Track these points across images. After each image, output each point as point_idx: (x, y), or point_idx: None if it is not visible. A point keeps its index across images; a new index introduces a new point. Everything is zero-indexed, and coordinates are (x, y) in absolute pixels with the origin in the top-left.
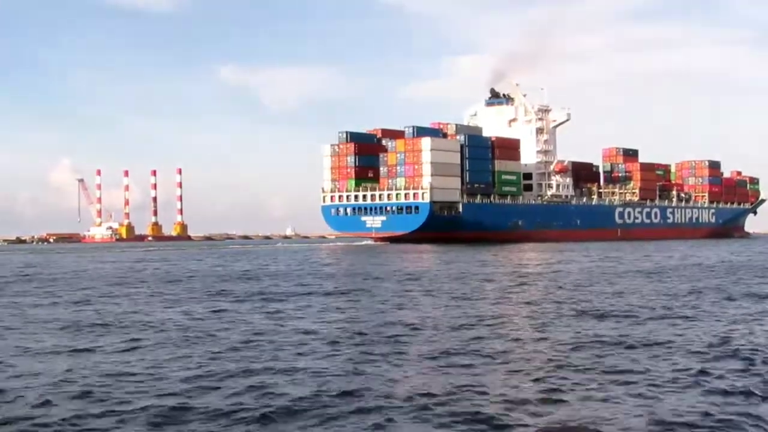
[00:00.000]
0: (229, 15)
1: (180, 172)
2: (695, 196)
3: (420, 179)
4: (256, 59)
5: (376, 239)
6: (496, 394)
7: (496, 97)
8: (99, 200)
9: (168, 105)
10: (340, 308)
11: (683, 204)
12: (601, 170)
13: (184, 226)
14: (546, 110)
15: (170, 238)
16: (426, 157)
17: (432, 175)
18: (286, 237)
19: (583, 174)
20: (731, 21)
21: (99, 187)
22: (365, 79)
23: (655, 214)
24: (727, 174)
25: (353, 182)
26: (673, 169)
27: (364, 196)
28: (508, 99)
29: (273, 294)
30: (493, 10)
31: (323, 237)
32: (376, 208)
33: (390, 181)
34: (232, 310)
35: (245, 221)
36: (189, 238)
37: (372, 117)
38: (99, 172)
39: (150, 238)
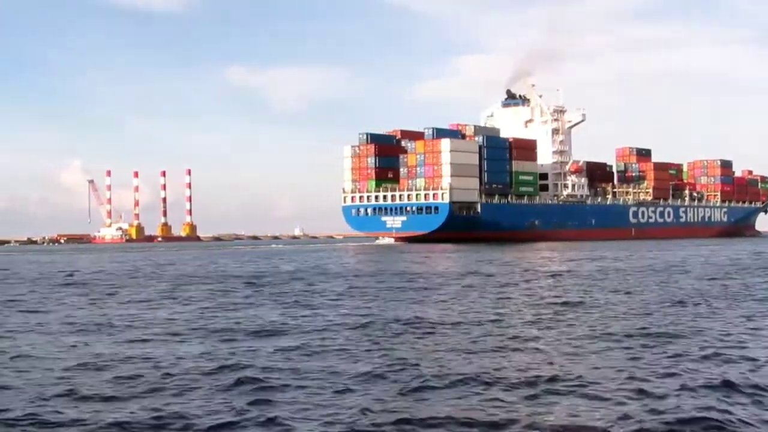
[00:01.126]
0: (234, 16)
1: (189, 172)
2: (708, 195)
3: (439, 180)
4: (262, 60)
5: (397, 239)
6: None
7: (512, 98)
8: (109, 201)
9: (175, 106)
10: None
11: (696, 203)
12: (614, 170)
13: (193, 227)
14: (561, 111)
15: (179, 239)
16: (445, 158)
17: (451, 175)
18: (294, 237)
19: (597, 174)
20: (734, 20)
21: (109, 188)
22: (372, 80)
23: (669, 213)
24: (738, 173)
25: (374, 183)
26: (685, 169)
27: (385, 197)
28: (524, 100)
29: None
30: (495, 10)
31: (331, 237)
32: (396, 209)
33: (410, 181)
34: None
35: (253, 221)
36: (198, 238)
37: (379, 117)
38: (109, 173)
39: (159, 239)
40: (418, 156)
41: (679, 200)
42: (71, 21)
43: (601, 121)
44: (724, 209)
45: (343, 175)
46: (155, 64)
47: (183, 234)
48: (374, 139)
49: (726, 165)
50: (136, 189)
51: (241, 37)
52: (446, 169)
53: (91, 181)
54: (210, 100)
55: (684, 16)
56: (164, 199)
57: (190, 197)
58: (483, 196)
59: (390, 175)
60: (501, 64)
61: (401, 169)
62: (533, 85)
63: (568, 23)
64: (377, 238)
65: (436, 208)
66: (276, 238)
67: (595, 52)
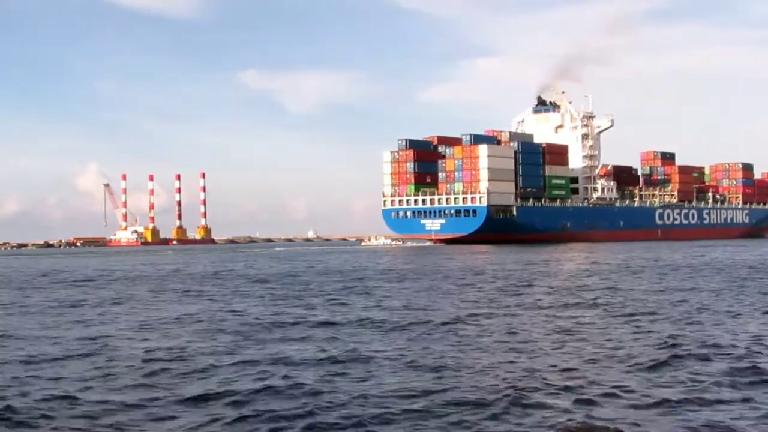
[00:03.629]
0: (249, 21)
1: (203, 176)
2: (729, 198)
3: (477, 184)
4: (277, 64)
5: (435, 241)
6: None
7: (542, 105)
8: (125, 204)
9: (190, 110)
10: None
11: (718, 205)
12: (639, 173)
13: (207, 230)
14: (590, 117)
15: (194, 242)
16: (483, 163)
17: (489, 180)
18: (307, 239)
19: (623, 177)
20: (748, 21)
21: (124, 191)
22: (386, 83)
23: (693, 215)
24: (758, 176)
25: (413, 187)
26: (707, 172)
27: (424, 200)
28: (554, 106)
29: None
30: (506, 13)
31: (344, 239)
32: (435, 212)
33: (448, 185)
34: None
35: (267, 224)
36: (213, 241)
37: (394, 120)
38: (124, 177)
39: (174, 242)
40: (456, 161)
41: (703, 202)
42: (95, 27)
43: (620, 124)
44: (746, 211)
45: (383, 180)
46: (171, 69)
47: (197, 237)
48: (412, 144)
49: (747, 168)
50: (152, 192)
51: (256, 41)
52: (484, 174)
53: (107, 185)
54: (225, 104)
55: (694, 17)
56: (179, 203)
57: (205, 200)
58: (518, 199)
59: (428, 180)
60: (514, 67)
61: (440, 174)
62: (563, 92)
63: (623, 23)
64: (361, 241)
65: (474, 211)
66: (289, 240)
67: (609, 53)
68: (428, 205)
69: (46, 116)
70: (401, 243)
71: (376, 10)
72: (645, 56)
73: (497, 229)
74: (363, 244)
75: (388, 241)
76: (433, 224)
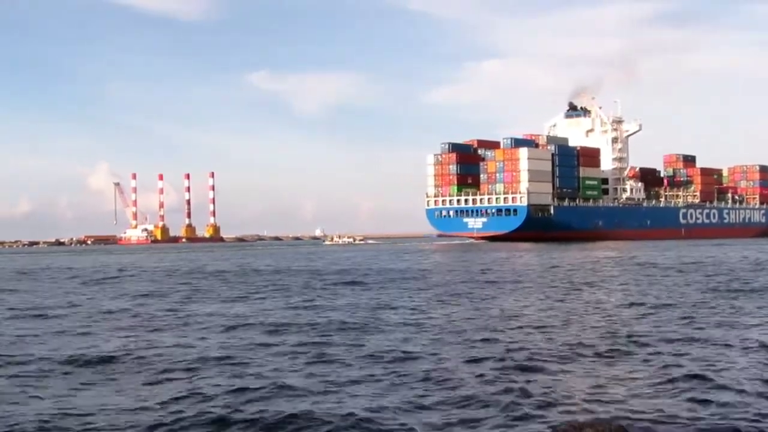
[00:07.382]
0: (258, 23)
1: (212, 175)
2: (747, 198)
3: (517, 185)
4: (285, 66)
5: (477, 238)
6: None
7: (574, 110)
8: (135, 203)
9: (199, 110)
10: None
11: (737, 205)
12: (663, 175)
13: (216, 228)
14: (619, 121)
15: (203, 240)
16: (523, 165)
17: (528, 181)
18: (315, 238)
19: (649, 179)
20: (753, 24)
21: (135, 190)
22: (392, 85)
23: (714, 215)
24: None
25: (455, 188)
26: (725, 173)
27: (466, 200)
28: (585, 112)
29: None
30: (511, 14)
31: (350, 237)
32: (477, 211)
33: (490, 186)
34: None
35: (275, 223)
36: (222, 239)
37: (400, 122)
38: (134, 176)
39: (184, 240)
40: (497, 163)
41: (723, 203)
42: (98, 28)
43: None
44: (762, 211)
45: (427, 181)
46: (180, 70)
47: (206, 235)
48: (455, 148)
49: (764, 170)
50: (161, 191)
51: (264, 43)
52: (524, 175)
53: (117, 184)
54: (232, 105)
55: (699, 20)
56: (188, 201)
57: (214, 199)
58: (555, 199)
59: (469, 181)
60: (520, 69)
61: (481, 175)
62: (593, 98)
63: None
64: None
65: (515, 210)
66: (297, 239)
67: (618, 56)
68: (470, 204)
69: (56, 117)
70: (363, 241)
71: (383, 12)
72: (653, 59)
73: (536, 227)
74: (326, 242)
75: (350, 240)
76: (475, 222)
